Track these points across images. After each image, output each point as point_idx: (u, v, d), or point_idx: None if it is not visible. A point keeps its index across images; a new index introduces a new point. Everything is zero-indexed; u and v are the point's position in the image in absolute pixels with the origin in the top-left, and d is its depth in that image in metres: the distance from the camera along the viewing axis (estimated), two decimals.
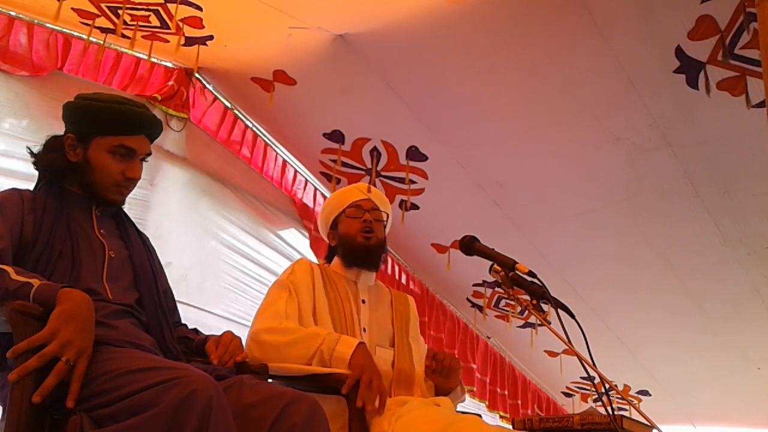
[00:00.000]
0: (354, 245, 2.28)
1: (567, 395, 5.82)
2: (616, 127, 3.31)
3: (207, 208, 3.55)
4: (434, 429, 1.77)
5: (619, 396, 2.01)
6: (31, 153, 1.85)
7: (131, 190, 1.89)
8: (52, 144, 1.83)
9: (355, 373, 1.87)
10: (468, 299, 4.85)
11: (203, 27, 3.08)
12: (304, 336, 1.99)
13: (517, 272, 1.92)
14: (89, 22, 2.97)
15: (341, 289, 2.26)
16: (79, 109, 1.82)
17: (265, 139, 3.90)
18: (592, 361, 1.73)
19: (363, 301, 2.29)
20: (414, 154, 3.69)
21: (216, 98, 3.62)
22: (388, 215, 2.39)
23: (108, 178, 1.81)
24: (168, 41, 3.17)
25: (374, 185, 3.91)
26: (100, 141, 1.80)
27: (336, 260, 2.37)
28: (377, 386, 1.86)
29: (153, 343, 1.75)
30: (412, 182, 3.84)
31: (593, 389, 5.54)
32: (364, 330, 2.21)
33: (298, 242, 4.09)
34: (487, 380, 5.14)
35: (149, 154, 1.89)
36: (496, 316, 4.99)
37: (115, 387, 1.40)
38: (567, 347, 1.79)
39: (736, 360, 4.93)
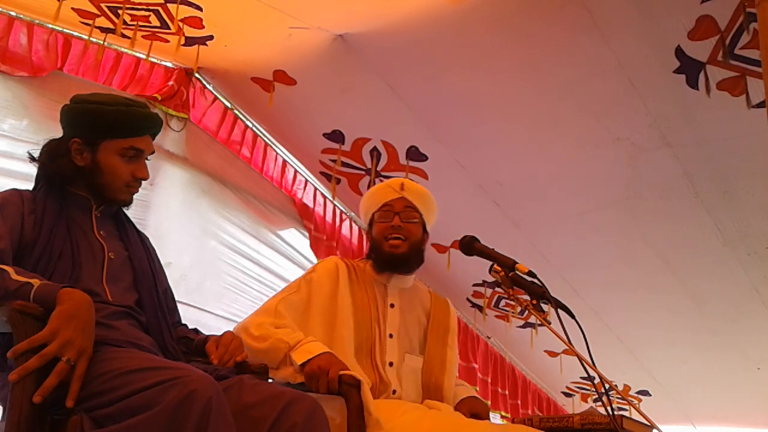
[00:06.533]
0: (381, 252, 2.21)
1: (567, 395, 5.82)
2: (616, 127, 3.31)
3: (207, 208, 3.55)
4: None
5: (619, 396, 2.01)
6: (33, 159, 1.82)
7: (138, 190, 1.89)
8: (56, 149, 1.80)
9: (312, 385, 1.85)
10: (468, 299, 4.85)
11: (203, 27, 3.08)
12: (272, 346, 1.98)
13: (517, 272, 1.92)
14: (89, 22, 2.97)
15: (369, 292, 2.21)
16: (85, 114, 1.79)
17: (265, 139, 3.90)
18: (592, 361, 1.73)
19: (392, 305, 2.24)
20: (414, 154, 3.69)
21: (216, 98, 3.62)
22: (421, 214, 2.25)
23: (119, 180, 1.81)
24: (168, 41, 3.17)
25: (374, 185, 3.91)
26: (108, 144, 1.79)
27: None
28: (325, 368, 1.84)
29: (152, 343, 1.75)
30: None
31: (593, 389, 5.53)
32: (391, 336, 2.18)
33: (298, 242, 4.08)
34: (489, 380, 5.14)
35: (153, 152, 1.89)
36: (496, 316, 4.99)
37: (115, 387, 1.40)
38: (567, 347, 1.79)
39: (736, 360, 4.93)
